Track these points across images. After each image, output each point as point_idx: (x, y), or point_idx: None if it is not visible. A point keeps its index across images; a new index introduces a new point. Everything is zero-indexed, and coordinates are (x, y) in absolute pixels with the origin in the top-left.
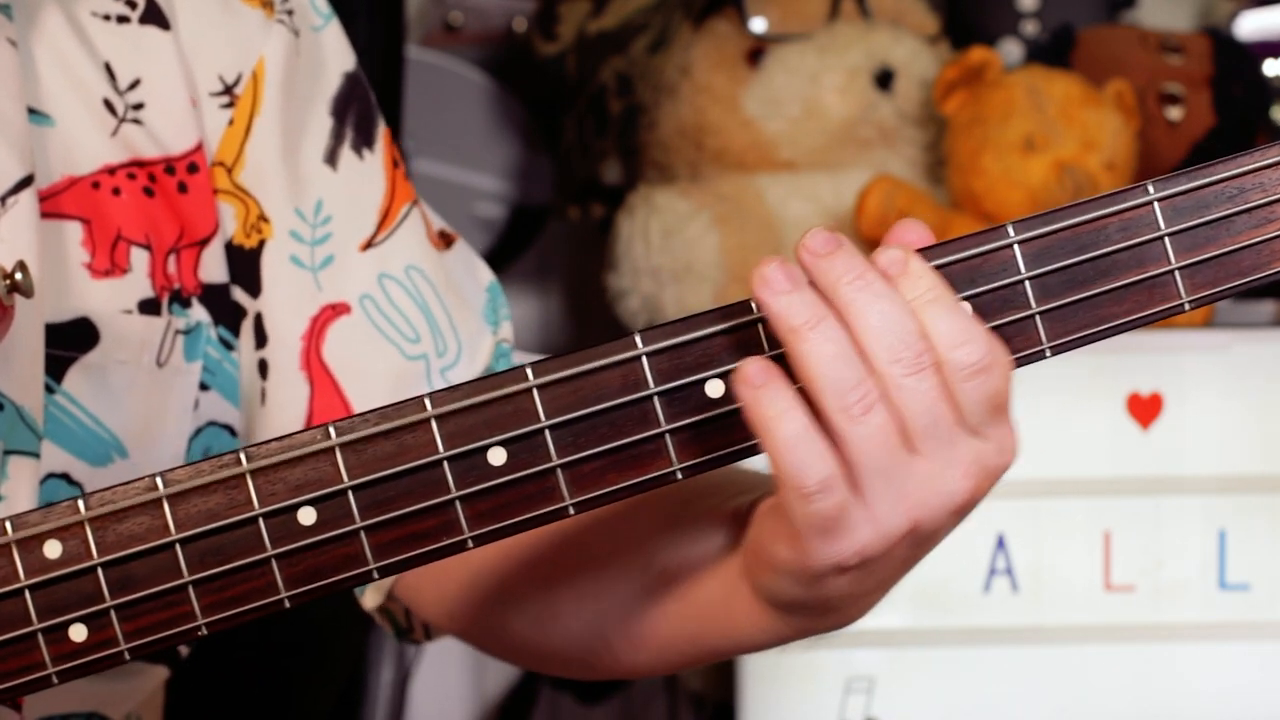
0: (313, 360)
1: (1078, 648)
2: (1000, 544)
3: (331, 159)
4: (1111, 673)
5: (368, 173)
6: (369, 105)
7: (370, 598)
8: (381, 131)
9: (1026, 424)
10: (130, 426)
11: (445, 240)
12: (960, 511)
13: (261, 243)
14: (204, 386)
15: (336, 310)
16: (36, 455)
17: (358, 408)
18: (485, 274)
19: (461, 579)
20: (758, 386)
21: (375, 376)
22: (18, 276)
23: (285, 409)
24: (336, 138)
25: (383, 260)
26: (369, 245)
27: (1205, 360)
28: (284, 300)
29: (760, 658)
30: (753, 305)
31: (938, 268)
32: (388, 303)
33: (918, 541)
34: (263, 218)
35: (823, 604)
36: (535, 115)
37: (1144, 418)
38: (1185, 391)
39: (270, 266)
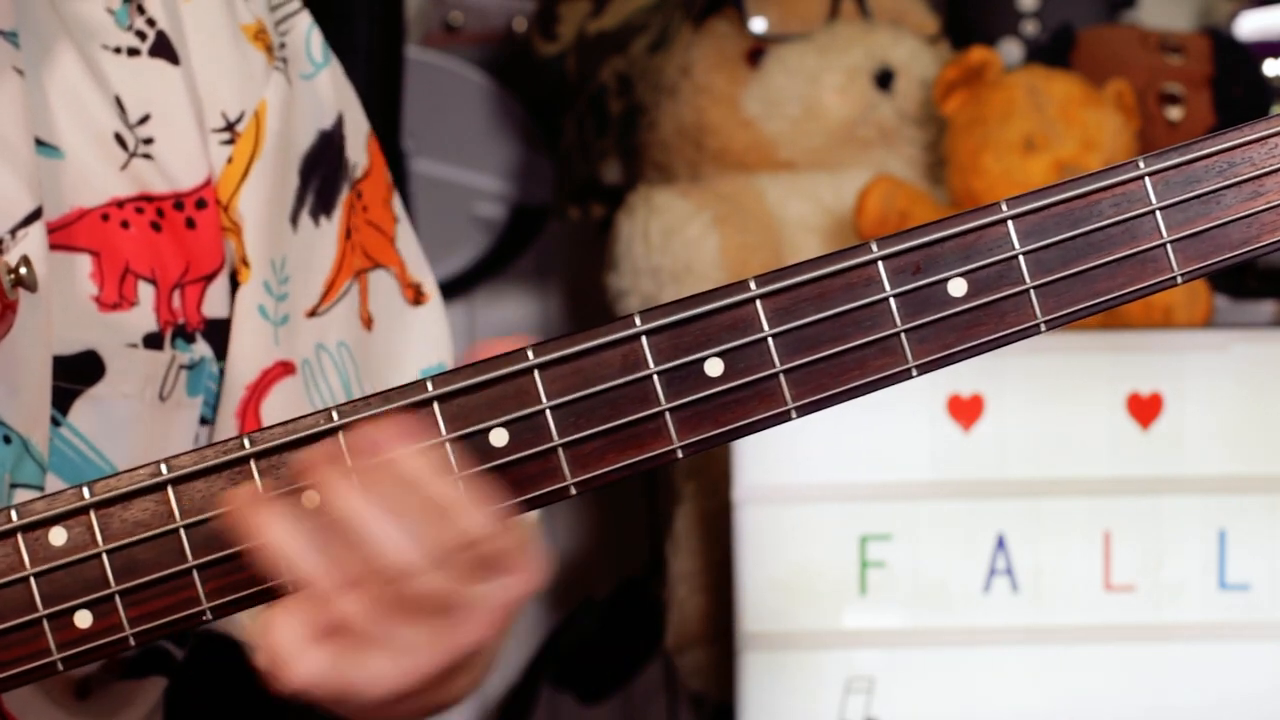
0: (249, 411)
1: (1078, 648)
2: (1000, 544)
3: (294, 220)
4: (1111, 673)
5: (321, 241)
6: (337, 168)
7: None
8: (343, 198)
9: (1027, 424)
10: (132, 460)
11: (418, 297)
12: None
13: (238, 284)
14: (204, 421)
15: (286, 368)
16: (41, 488)
17: None
18: (433, 354)
19: None
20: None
21: None
22: (22, 271)
23: None
24: (299, 200)
25: (321, 331)
26: (312, 314)
27: (1205, 360)
28: (243, 347)
29: (760, 657)
30: (751, 284)
31: (932, 243)
32: (320, 374)
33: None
34: (244, 260)
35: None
36: (535, 115)
37: (1144, 418)
38: (1185, 391)
39: (239, 311)
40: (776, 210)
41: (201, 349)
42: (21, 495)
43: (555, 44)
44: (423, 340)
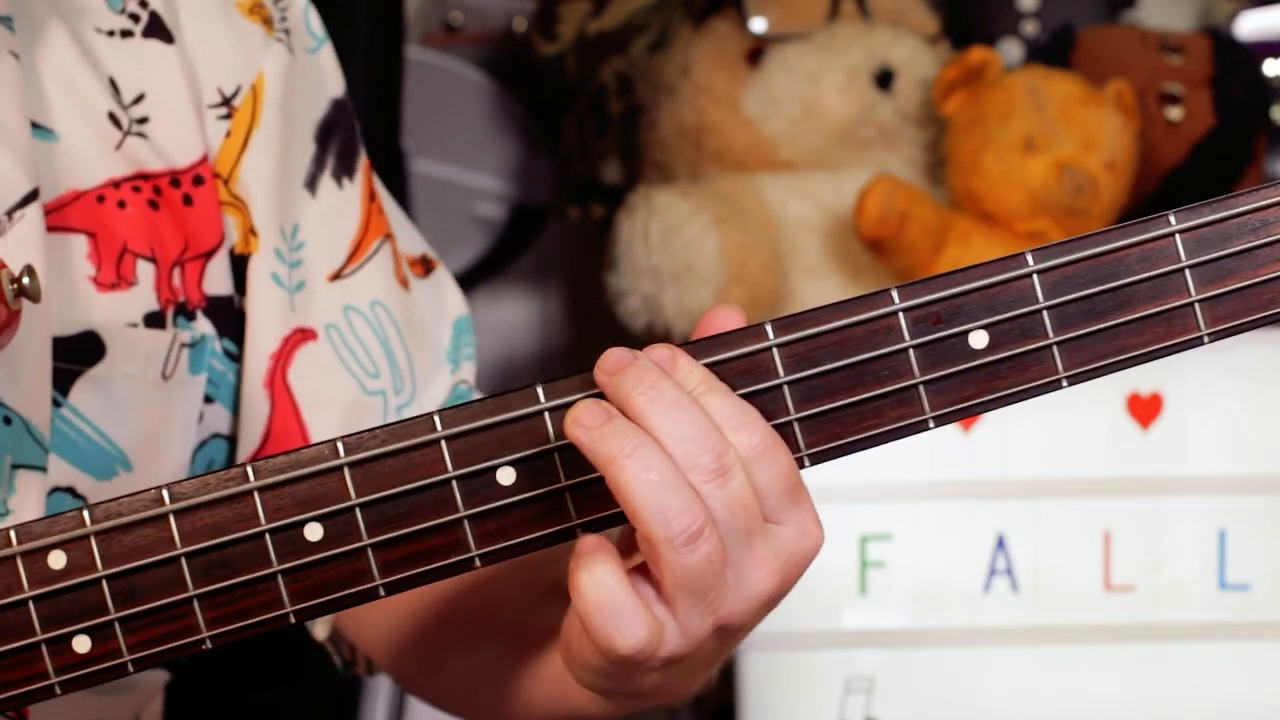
0: (277, 381)
1: (1078, 648)
2: (1000, 544)
3: (311, 185)
4: (1111, 673)
5: (345, 203)
6: (353, 134)
7: (320, 629)
8: (362, 163)
9: (1026, 424)
10: (135, 440)
11: (426, 266)
12: (769, 605)
13: (248, 255)
14: (208, 399)
15: (305, 335)
16: (44, 469)
17: (314, 435)
18: (456, 308)
19: (383, 626)
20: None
21: (334, 406)
22: (25, 281)
23: (245, 424)
24: (318, 164)
25: (349, 293)
26: (337, 276)
27: (1205, 360)
28: (261, 316)
29: (760, 657)
30: (768, 329)
31: (955, 295)
32: (352, 335)
33: (726, 636)
34: (252, 230)
35: (637, 692)
36: (535, 115)
37: (1144, 418)
38: (1185, 391)
39: (253, 281)
40: (776, 210)
41: (203, 326)
42: (24, 476)
43: (555, 44)
44: (449, 297)
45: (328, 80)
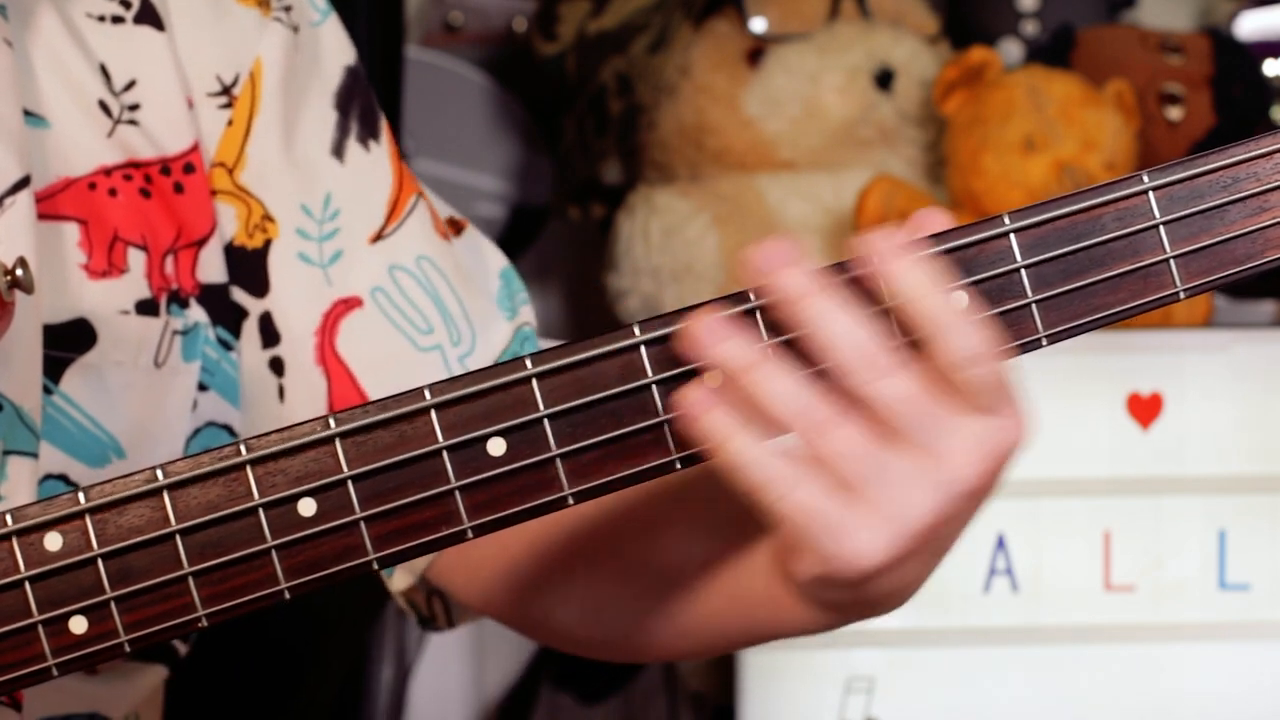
0: (328, 355)
1: (1078, 648)
2: (1000, 544)
3: (338, 152)
4: (1111, 673)
5: (375, 165)
6: (371, 98)
7: (399, 579)
8: (385, 124)
9: None
10: (128, 427)
11: (456, 227)
12: (976, 495)
13: (267, 242)
14: (202, 387)
15: (348, 305)
16: (35, 455)
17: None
18: (497, 260)
19: (497, 569)
20: (697, 418)
21: (390, 367)
22: (18, 273)
23: (305, 404)
24: (342, 130)
25: (392, 252)
26: (378, 237)
27: (1205, 360)
28: (294, 298)
29: (760, 657)
30: (750, 295)
31: (933, 255)
32: (400, 294)
33: (942, 529)
34: (267, 218)
35: (867, 602)
36: (535, 115)
37: (1144, 418)
38: (1185, 391)
39: (278, 266)
40: (776, 210)
41: (196, 314)
42: (15, 462)
43: (555, 44)
44: (488, 251)
45: (337, 49)
